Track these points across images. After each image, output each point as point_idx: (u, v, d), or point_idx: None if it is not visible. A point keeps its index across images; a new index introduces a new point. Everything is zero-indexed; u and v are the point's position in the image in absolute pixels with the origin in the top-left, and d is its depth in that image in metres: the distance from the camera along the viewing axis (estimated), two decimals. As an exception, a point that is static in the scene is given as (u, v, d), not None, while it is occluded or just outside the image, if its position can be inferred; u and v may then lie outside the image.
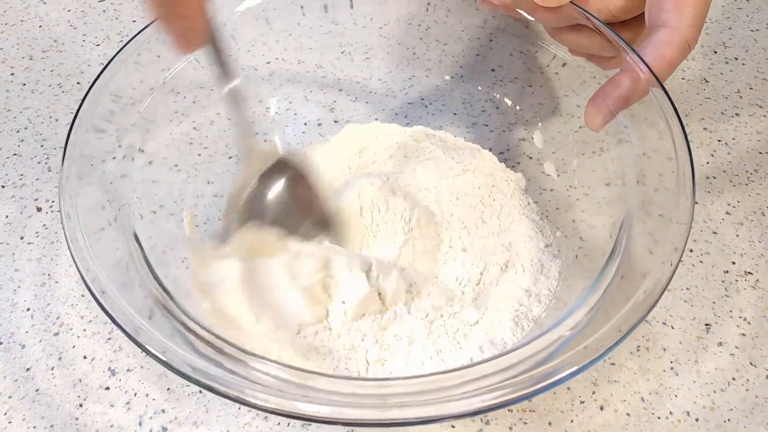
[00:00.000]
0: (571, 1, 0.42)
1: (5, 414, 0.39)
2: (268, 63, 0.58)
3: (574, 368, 0.32)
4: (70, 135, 0.39)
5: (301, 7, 0.56)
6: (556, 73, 0.53)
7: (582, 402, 0.41)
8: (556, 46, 0.51)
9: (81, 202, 0.38)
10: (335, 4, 0.56)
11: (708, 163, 0.53)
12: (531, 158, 0.52)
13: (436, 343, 0.40)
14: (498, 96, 0.56)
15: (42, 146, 0.54)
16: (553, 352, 0.34)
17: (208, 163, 0.51)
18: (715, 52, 0.62)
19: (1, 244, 0.48)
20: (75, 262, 0.34)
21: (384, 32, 0.61)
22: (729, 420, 0.40)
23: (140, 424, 0.39)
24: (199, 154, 0.51)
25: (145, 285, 0.36)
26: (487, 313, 0.42)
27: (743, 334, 0.44)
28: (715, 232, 0.49)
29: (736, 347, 0.43)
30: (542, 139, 0.52)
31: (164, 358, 0.31)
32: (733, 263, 0.47)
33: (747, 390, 0.41)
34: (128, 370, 0.41)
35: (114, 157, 0.42)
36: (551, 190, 0.49)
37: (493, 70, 0.57)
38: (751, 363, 0.42)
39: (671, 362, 0.42)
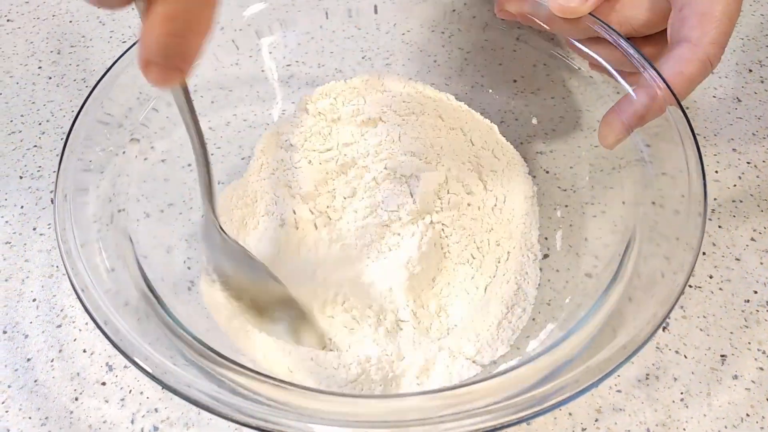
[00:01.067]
0: (590, 14, 0.40)
1: (3, 403, 0.40)
2: (288, 66, 0.58)
3: (575, 390, 0.31)
4: (74, 125, 0.39)
5: (326, 10, 0.55)
6: (578, 86, 0.51)
7: (584, 429, 0.39)
8: (581, 60, 0.49)
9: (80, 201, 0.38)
10: (360, 9, 0.55)
11: (735, 185, 0.51)
12: (548, 172, 0.51)
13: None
14: (518, 107, 0.54)
15: (62, 139, 0.55)
16: (553, 371, 0.33)
17: (221, 164, 0.51)
18: (750, 71, 0.60)
19: (14, 234, 0.48)
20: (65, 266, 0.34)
21: (407, 38, 0.60)
22: (740, 458, 0.38)
23: (132, 421, 0.39)
24: (212, 154, 0.51)
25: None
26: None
27: (761, 368, 0.41)
28: (738, 259, 0.47)
29: (753, 381, 0.41)
30: (561, 153, 0.50)
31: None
32: (755, 292, 0.45)
33: (762, 428, 0.39)
34: (125, 367, 0.41)
35: (124, 152, 0.43)
36: (566, 206, 0.48)
37: (515, 81, 0.56)
38: (767, 399, 0.40)
39: (682, 393, 0.40)
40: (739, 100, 0.57)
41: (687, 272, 0.35)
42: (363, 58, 0.59)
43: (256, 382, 0.30)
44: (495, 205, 0.47)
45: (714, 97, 0.57)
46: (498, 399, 0.31)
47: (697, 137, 0.53)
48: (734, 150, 0.53)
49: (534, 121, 0.53)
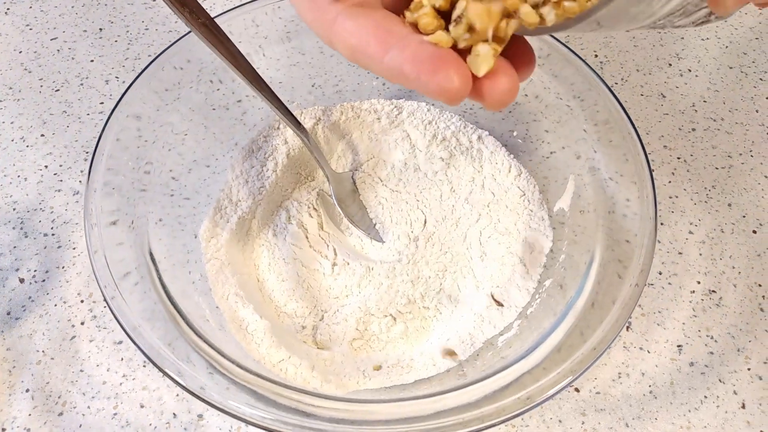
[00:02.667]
0: None
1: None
2: (239, 101, 0.57)
3: (555, 389, 0.35)
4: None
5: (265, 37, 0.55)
6: (525, 95, 0.54)
7: (573, 433, 0.44)
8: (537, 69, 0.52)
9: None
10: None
11: (670, 182, 0.56)
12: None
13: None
14: (469, 122, 0.57)
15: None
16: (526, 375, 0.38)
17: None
18: (670, 65, 0.65)
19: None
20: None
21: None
22: (704, 437, 0.44)
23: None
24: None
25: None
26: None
27: (711, 353, 0.48)
28: (680, 253, 0.52)
29: (706, 366, 0.47)
30: (517, 166, 0.53)
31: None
32: (698, 282, 0.51)
33: (718, 407, 0.45)
34: (140, 446, 0.42)
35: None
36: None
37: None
38: (720, 380, 0.46)
39: (650, 386, 0.46)
40: (664, 96, 0.62)
41: (645, 273, 0.40)
42: (313, 86, 0.60)
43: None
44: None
45: (641, 95, 0.62)
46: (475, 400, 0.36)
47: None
48: (665, 147, 0.59)
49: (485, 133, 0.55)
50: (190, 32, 0.51)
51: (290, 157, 0.48)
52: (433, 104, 0.53)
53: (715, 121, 0.61)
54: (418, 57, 0.23)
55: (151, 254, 0.41)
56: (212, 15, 0.44)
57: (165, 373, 0.35)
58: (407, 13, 0.26)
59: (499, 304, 0.44)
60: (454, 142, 0.50)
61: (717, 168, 0.57)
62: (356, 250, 0.47)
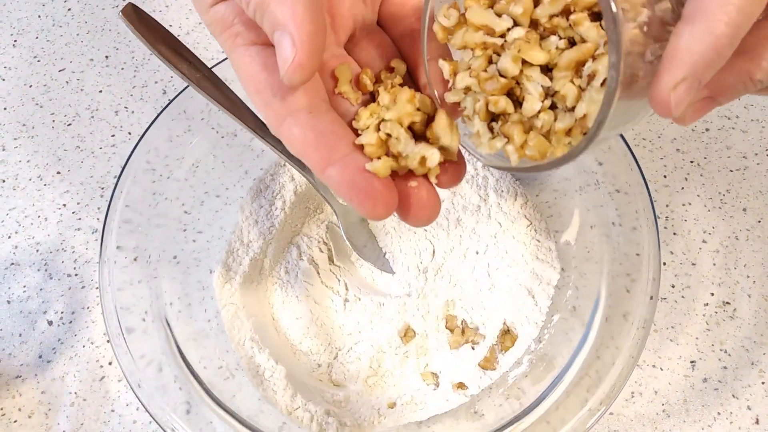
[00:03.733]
0: None
1: None
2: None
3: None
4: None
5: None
6: None
7: (587, 455, 0.45)
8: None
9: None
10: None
11: (683, 188, 0.56)
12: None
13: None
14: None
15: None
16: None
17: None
18: (683, 60, 0.63)
19: None
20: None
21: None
22: (717, 455, 0.45)
23: None
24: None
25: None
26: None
27: (725, 368, 0.48)
28: (693, 264, 0.52)
29: (719, 381, 0.48)
30: (523, 194, 0.53)
31: None
32: (712, 294, 0.51)
33: (731, 423, 0.46)
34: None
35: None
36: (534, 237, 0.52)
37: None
38: (733, 396, 0.47)
39: (663, 405, 0.47)
40: (677, 95, 0.61)
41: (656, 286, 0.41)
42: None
43: None
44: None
45: (653, 95, 0.61)
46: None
47: (644, 141, 0.58)
48: (678, 150, 0.58)
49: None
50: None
51: (297, 193, 0.49)
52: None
53: (729, 119, 0.59)
54: (354, 183, 0.25)
55: (162, 303, 0.42)
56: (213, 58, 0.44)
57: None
58: (354, 123, 0.28)
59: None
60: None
61: (731, 170, 0.56)
62: (367, 282, 0.48)
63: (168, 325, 0.42)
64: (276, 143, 0.45)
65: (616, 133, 0.30)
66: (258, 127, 0.44)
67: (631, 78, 0.22)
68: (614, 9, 0.21)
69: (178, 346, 0.42)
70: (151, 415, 0.38)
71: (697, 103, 0.27)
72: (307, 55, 0.25)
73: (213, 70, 0.50)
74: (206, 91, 0.42)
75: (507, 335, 0.45)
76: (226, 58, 0.52)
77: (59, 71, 0.64)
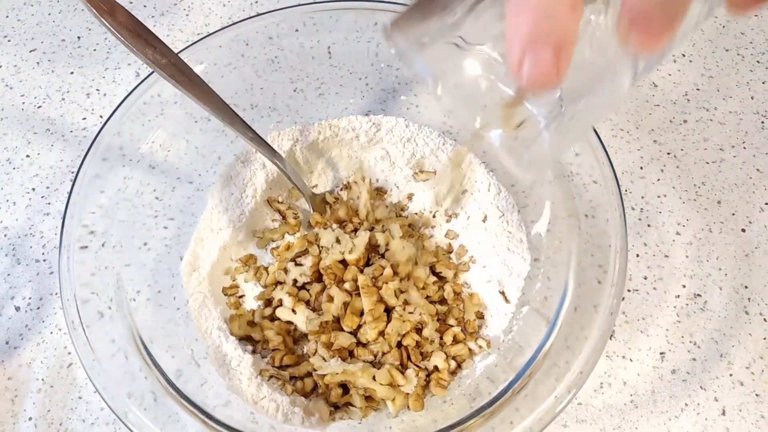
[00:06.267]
0: None
1: None
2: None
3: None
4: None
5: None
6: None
7: (554, 445, 0.45)
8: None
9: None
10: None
11: (659, 180, 0.56)
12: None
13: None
14: (452, 127, 0.56)
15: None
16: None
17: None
18: (663, 50, 0.63)
19: None
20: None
21: (334, 61, 0.60)
22: (682, 446, 0.45)
23: None
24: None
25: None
26: None
27: (694, 359, 0.48)
28: (666, 256, 0.52)
29: (687, 373, 0.48)
30: (496, 185, 0.53)
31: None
32: (684, 286, 0.51)
33: (698, 414, 0.46)
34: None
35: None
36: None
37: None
38: (701, 387, 0.47)
39: (631, 395, 0.47)
40: (656, 85, 0.61)
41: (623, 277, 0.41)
42: (294, 91, 0.59)
43: None
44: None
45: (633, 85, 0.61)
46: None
47: (622, 132, 0.58)
48: (655, 141, 0.58)
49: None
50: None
51: (269, 181, 0.48)
52: (411, 120, 0.53)
53: (707, 110, 0.59)
54: None
55: (126, 292, 0.42)
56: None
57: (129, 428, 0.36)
58: None
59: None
60: (433, 159, 0.49)
61: (708, 162, 0.56)
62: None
63: (131, 316, 0.42)
64: (245, 130, 0.44)
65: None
66: (226, 114, 0.43)
67: None
68: None
69: (140, 338, 0.41)
70: (110, 407, 0.37)
71: None
72: None
73: (184, 53, 0.50)
74: (173, 77, 0.41)
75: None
76: (199, 40, 0.51)
77: (30, 52, 0.63)
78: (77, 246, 0.44)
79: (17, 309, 0.50)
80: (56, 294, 0.51)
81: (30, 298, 0.51)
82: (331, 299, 0.41)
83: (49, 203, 0.55)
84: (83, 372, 0.48)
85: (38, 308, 0.50)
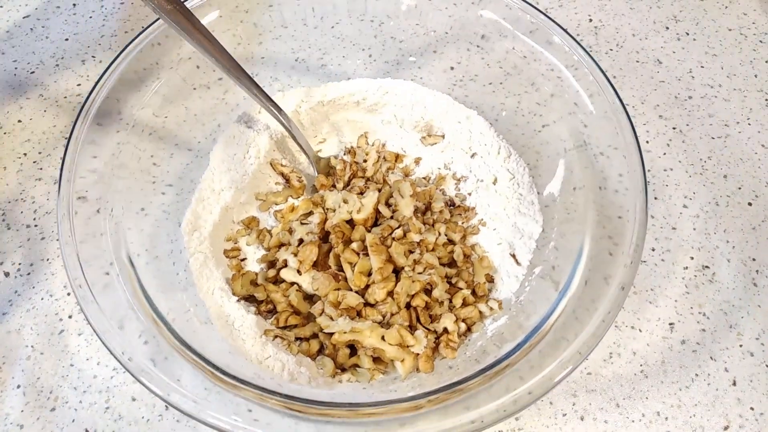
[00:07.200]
0: None
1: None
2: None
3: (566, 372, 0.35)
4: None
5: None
6: (515, 66, 0.52)
7: (564, 415, 0.44)
8: (513, 38, 0.50)
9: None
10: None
11: (665, 154, 0.55)
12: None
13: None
14: (457, 98, 0.55)
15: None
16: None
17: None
18: (667, 28, 0.63)
19: None
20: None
21: (336, 31, 0.59)
22: (694, 415, 0.44)
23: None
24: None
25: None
26: None
27: (703, 330, 0.47)
28: (674, 228, 0.52)
29: (697, 343, 0.47)
30: (507, 148, 0.52)
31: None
32: (692, 258, 0.50)
33: (708, 384, 0.45)
34: None
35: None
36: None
37: (452, 68, 0.56)
38: (711, 358, 0.46)
39: (641, 365, 0.46)
40: (660, 62, 0.60)
41: (639, 249, 0.39)
42: (296, 60, 0.58)
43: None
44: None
45: (637, 62, 0.60)
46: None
47: (627, 107, 0.57)
48: (660, 117, 0.57)
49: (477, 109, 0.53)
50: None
51: (272, 143, 0.47)
52: (422, 79, 0.52)
53: (712, 87, 0.59)
54: None
55: (128, 251, 0.40)
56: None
57: (137, 379, 0.34)
58: None
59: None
60: (441, 122, 0.48)
61: (713, 138, 0.56)
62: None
63: (135, 273, 0.40)
64: (251, 85, 0.43)
65: None
66: (232, 66, 0.42)
67: None
68: None
69: (146, 295, 0.39)
70: (123, 365, 0.35)
71: None
72: None
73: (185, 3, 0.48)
74: (179, 23, 0.39)
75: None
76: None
77: (23, 18, 0.61)
78: (74, 210, 0.42)
79: (6, 275, 0.48)
80: (48, 260, 0.49)
81: (20, 264, 0.49)
82: (338, 258, 0.40)
83: (41, 168, 0.53)
84: (75, 339, 0.46)
85: (29, 274, 0.48)
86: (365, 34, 0.58)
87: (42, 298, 0.47)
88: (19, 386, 0.44)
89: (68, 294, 0.48)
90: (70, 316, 0.47)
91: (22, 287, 0.48)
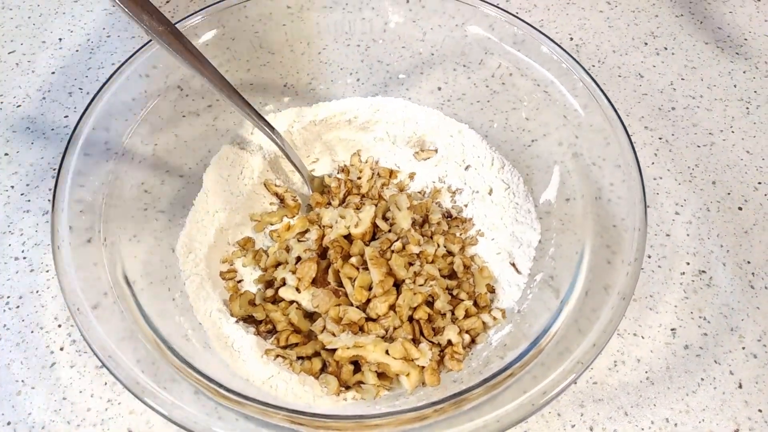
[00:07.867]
0: None
1: None
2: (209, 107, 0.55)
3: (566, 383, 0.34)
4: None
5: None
6: (503, 84, 0.53)
7: (573, 426, 0.43)
8: (499, 54, 0.50)
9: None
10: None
11: (653, 163, 0.56)
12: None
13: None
14: (448, 115, 0.55)
15: None
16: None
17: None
18: (646, 44, 0.64)
19: None
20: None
21: (323, 57, 0.59)
22: (704, 420, 0.44)
23: None
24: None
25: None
26: None
27: (705, 334, 0.47)
28: (668, 235, 0.52)
29: (700, 348, 0.47)
30: (500, 159, 0.52)
31: None
32: (688, 264, 0.51)
33: (715, 388, 0.45)
34: None
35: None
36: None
37: (439, 88, 0.57)
38: (715, 361, 0.46)
39: (646, 372, 0.46)
40: (642, 76, 0.62)
41: (639, 261, 0.39)
42: (285, 86, 0.58)
43: None
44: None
45: (620, 76, 0.62)
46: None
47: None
48: (646, 128, 0.58)
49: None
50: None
51: (266, 163, 0.46)
52: (410, 99, 0.52)
53: (694, 98, 0.60)
54: None
55: (125, 275, 0.39)
56: (176, 19, 0.42)
57: (144, 402, 0.33)
58: None
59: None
60: (434, 136, 0.49)
61: (699, 146, 0.57)
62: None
63: (134, 297, 0.39)
64: (244, 105, 0.43)
65: None
66: (224, 86, 0.42)
67: None
68: None
69: (147, 319, 0.38)
70: (132, 393, 0.34)
71: None
72: None
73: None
74: (170, 45, 0.40)
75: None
76: (190, 15, 0.50)
77: (9, 53, 0.61)
78: (67, 241, 0.41)
79: (-6, 307, 0.47)
80: (37, 292, 0.48)
81: (9, 297, 0.47)
82: (337, 274, 0.39)
83: (29, 200, 0.52)
84: (67, 372, 0.45)
85: (18, 307, 0.47)
86: (352, 59, 0.58)
87: (32, 331, 0.46)
88: (9, 423, 0.42)
89: (59, 326, 0.46)
90: (61, 348, 0.45)
91: (11, 321, 0.46)
